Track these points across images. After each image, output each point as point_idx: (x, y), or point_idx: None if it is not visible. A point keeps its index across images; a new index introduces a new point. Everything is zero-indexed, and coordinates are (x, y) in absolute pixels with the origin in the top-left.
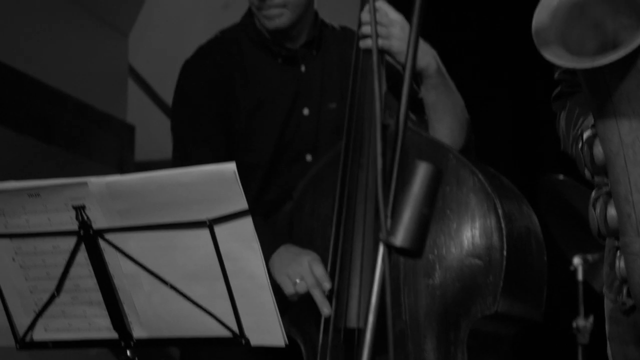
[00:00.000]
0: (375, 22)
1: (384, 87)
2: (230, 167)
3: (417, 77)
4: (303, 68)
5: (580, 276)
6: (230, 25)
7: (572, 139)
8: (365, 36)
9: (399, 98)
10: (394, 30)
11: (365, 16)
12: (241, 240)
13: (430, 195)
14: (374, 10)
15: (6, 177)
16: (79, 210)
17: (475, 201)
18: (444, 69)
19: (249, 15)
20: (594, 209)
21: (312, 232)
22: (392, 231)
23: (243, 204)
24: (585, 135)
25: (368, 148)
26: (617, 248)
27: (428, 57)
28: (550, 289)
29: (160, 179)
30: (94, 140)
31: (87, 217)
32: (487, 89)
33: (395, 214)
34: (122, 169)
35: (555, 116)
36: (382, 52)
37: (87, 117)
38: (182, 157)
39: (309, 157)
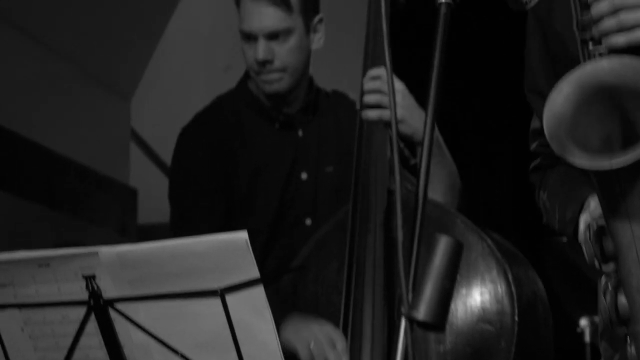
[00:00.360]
0: (394, 105)
1: (388, 153)
2: (242, 235)
3: (413, 144)
4: (300, 133)
5: (587, 338)
6: (227, 90)
7: (569, 221)
8: (368, 106)
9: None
10: (395, 99)
11: (369, 85)
12: (253, 309)
13: (452, 269)
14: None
15: (10, 242)
16: (89, 279)
17: (484, 266)
18: (440, 139)
19: (245, 80)
20: (604, 297)
21: (317, 298)
22: (414, 305)
23: (255, 273)
24: (593, 226)
25: (375, 213)
26: (628, 335)
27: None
28: (558, 351)
29: (171, 249)
30: (97, 204)
31: (97, 287)
32: (488, 150)
33: (417, 288)
34: (124, 233)
35: None
36: (384, 122)
37: (90, 181)
38: (181, 226)
39: (308, 221)
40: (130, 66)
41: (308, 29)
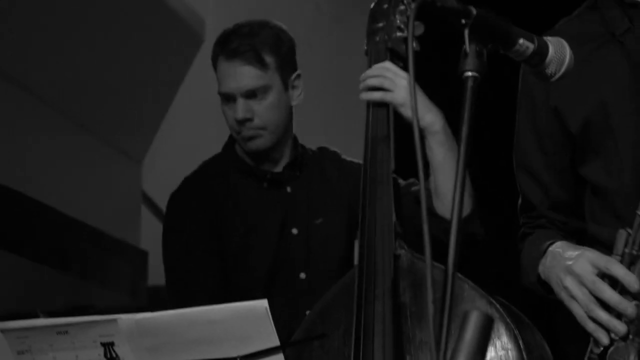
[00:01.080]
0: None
1: (394, 217)
2: (262, 304)
3: (422, 135)
4: (289, 189)
5: None
6: (215, 154)
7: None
8: (369, 88)
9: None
10: (398, 82)
11: (371, 70)
12: None
13: (482, 344)
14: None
15: (21, 306)
16: (108, 347)
17: (495, 332)
18: (449, 129)
19: (230, 144)
20: None
21: None
22: None
23: (275, 341)
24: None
25: (382, 279)
26: None
27: (432, 113)
28: None
29: (190, 316)
30: (108, 267)
31: (116, 354)
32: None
33: None
34: (135, 295)
35: None
36: (387, 104)
37: (102, 245)
38: (178, 290)
39: (302, 275)
40: (142, 130)
41: (286, 86)
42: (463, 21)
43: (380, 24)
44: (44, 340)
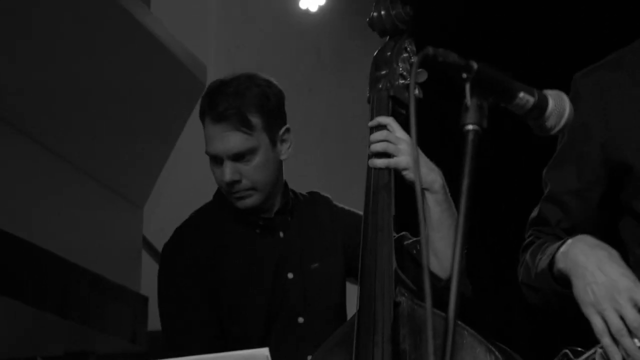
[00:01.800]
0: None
1: (394, 264)
2: (263, 352)
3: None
4: (281, 234)
5: None
6: (206, 203)
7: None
8: (375, 154)
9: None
10: (401, 147)
11: (375, 135)
12: None
13: None
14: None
15: (22, 352)
16: None
17: None
18: (447, 189)
19: (221, 192)
20: None
21: None
22: None
23: None
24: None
25: (382, 326)
26: None
27: (434, 173)
28: None
29: None
30: (108, 312)
31: None
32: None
33: None
34: (135, 340)
35: None
36: (390, 169)
37: (102, 290)
38: (175, 342)
39: (300, 320)
40: (143, 175)
41: (274, 142)
42: (464, 75)
43: (383, 72)
44: None
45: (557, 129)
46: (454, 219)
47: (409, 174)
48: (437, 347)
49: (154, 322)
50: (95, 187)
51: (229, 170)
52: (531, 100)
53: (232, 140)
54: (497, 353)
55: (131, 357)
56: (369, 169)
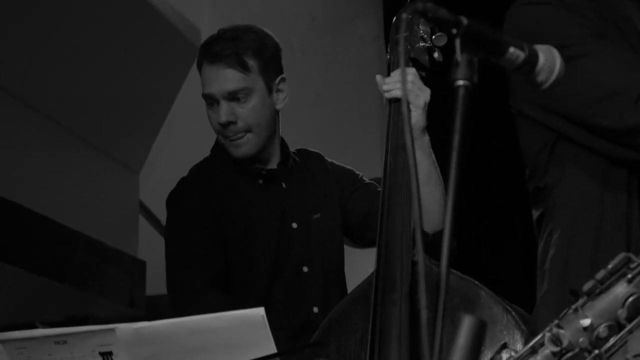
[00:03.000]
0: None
1: (412, 224)
2: (259, 312)
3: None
4: (284, 185)
5: None
6: (204, 158)
7: None
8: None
9: None
10: (422, 93)
11: (393, 76)
12: None
13: (475, 349)
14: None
15: (18, 316)
16: (106, 356)
17: (510, 338)
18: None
19: (218, 146)
20: None
21: None
22: None
23: (272, 348)
24: None
25: (400, 285)
26: None
27: (418, 112)
28: None
29: (188, 325)
30: (105, 277)
31: None
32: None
33: None
34: (133, 305)
35: None
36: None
37: (99, 255)
38: (178, 279)
39: (305, 269)
40: (139, 140)
41: (270, 89)
42: (454, 31)
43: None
44: (43, 350)
45: (547, 83)
46: (439, 174)
47: (415, 115)
48: (454, 307)
49: (152, 286)
50: (91, 152)
51: (224, 111)
52: (521, 55)
53: (229, 77)
54: (513, 313)
55: (129, 321)
56: (389, 130)
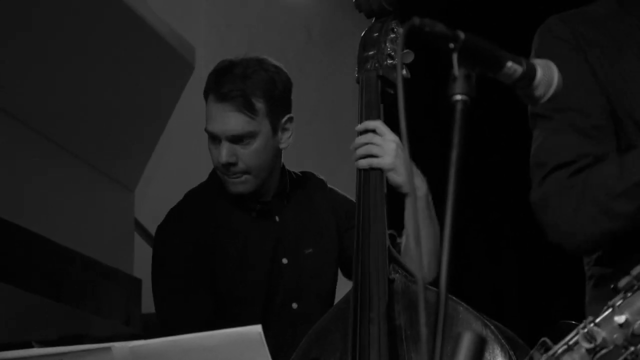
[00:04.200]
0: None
1: (387, 242)
2: (256, 329)
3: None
4: (277, 218)
5: None
6: (200, 183)
7: None
8: (361, 157)
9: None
10: (387, 146)
11: (359, 139)
12: None
13: None
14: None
15: (15, 335)
16: None
17: (489, 354)
18: (430, 197)
19: (216, 173)
20: None
21: None
22: None
23: None
24: None
25: (378, 302)
26: None
27: (419, 179)
28: None
29: (184, 343)
30: (101, 295)
31: None
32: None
33: None
34: (129, 323)
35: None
36: (375, 169)
37: (95, 273)
38: (170, 325)
39: (294, 305)
40: (134, 158)
41: (275, 130)
42: (451, 45)
43: (371, 52)
44: None
45: (545, 97)
46: (434, 229)
47: (392, 176)
48: (431, 322)
49: (148, 304)
50: (86, 170)
51: (225, 152)
52: (519, 69)
53: (233, 121)
54: (492, 327)
55: (126, 340)
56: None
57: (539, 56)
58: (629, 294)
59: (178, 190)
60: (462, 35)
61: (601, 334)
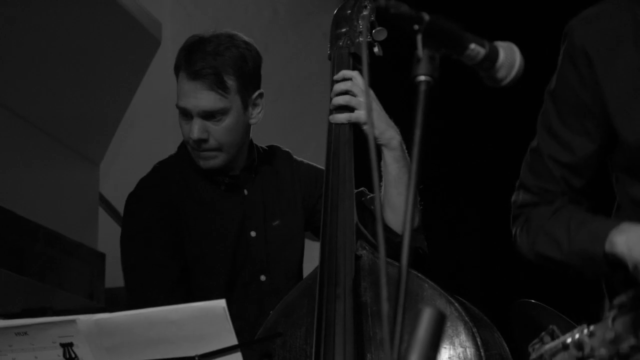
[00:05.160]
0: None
1: (355, 218)
2: (220, 303)
3: (379, 150)
4: (245, 192)
5: None
6: (169, 156)
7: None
8: (338, 108)
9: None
10: (363, 100)
11: (339, 86)
12: None
13: (436, 339)
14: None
15: None
16: (67, 347)
17: (453, 330)
18: (404, 146)
19: (185, 145)
20: None
21: None
22: None
23: (232, 340)
24: None
25: (344, 279)
26: None
27: (391, 130)
28: None
29: (149, 316)
30: (65, 269)
31: (75, 354)
32: (456, 215)
33: (403, 358)
34: (93, 297)
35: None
36: (351, 125)
37: (58, 247)
38: (137, 292)
39: (263, 277)
40: (99, 132)
41: (246, 105)
42: (416, 27)
43: (344, 29)
44: (3, 341)
45: (507, 80)
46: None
47: (365, 129)
48: (393, 298)
49: (112, 279)
50: (51, 144)
51: (197, 128)
52: (482, 51)
53: (205, 98)
54: (456, 304)
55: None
56: (330, 125)
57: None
58: (629, 312)
59: (143, 165)
60: (426, 17)
61: (589, 345)
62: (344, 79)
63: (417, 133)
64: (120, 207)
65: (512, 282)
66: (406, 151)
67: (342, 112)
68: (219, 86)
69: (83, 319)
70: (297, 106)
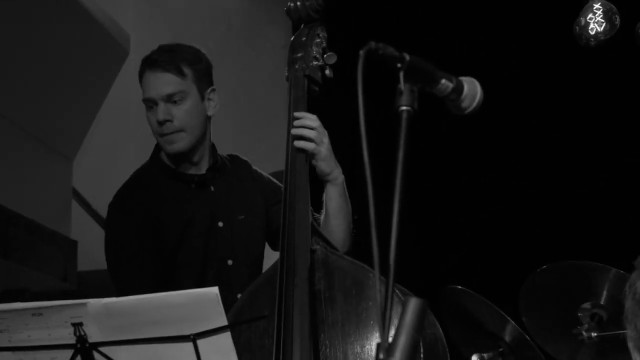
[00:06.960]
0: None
1: (310, 218)
2: (213, 290)
3: (324, 183)
4: (212, 188)
5: None
6: (143, 164)
7: None
8: (298, 136)
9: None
10: (325, 139)
11: (309, 122)
12: (221, 352)
13: (419, 323)
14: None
15: None
16: (77, 326)
17: (395, 314)
18: (345, 185)
19: (156, 153)
20: None
21: (250, 342)
22: (390, 352)
23: (223, 321)
24: None
25: (301, 269)
26: None
27: (337, 169)
28: None
29: (151, 301)
30: (42, 254)
31: (84, 333)
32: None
33: (392, 339)
34: (66, 279)
35: None
36: (311, 155)
37: (37, 234)
38: (123, 288)
39: (230, 262)
40: (73, 129)
41: (202, 96)
42: (399, 65)
43: (299, 54)
44: (20, 320)
45: (470, 109)
46: (348, 210)
47: (322, 165)
48: (347, 286)
49: (83, 263)
50: (27, 139)
51: (161, 110)
52: (450, 85)
53: (166, 82)
54: (397, 291)
55: (62, 295)
56: (289, 135)
57: None
58: None
59: (113, 163)
60: (407, 57)
61: None
62: (299, 118)
63: (400, 155)
64: (91, 200)
65: (444, 269)
66: (345, 188)
67: (300, 141)
68: (177, 71)
69: (93, 302)
70: (249, 112)
